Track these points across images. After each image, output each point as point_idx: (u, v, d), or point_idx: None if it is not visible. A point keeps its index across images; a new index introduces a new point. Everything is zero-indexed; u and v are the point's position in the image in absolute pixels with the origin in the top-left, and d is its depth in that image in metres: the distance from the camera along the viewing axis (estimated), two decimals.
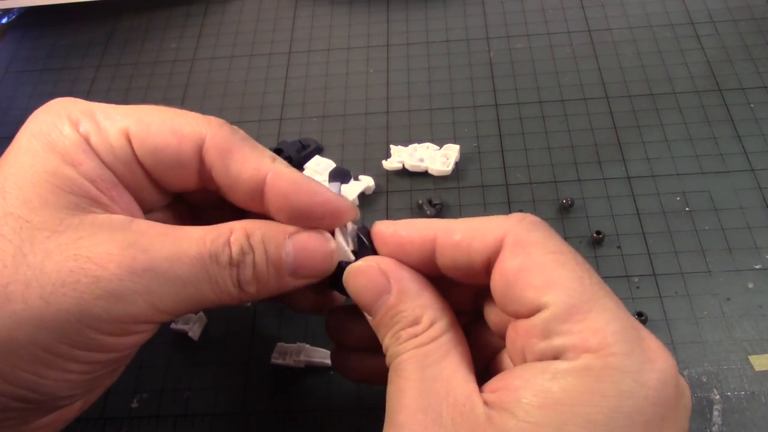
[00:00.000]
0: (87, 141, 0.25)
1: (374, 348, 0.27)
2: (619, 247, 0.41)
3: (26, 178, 0.24)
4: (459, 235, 0.25)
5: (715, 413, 0.34)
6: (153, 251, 0.24)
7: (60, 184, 0.24)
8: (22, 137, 0.25)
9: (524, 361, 0.23)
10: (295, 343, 0.38)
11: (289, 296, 0.32)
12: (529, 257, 0.23)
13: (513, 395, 0.21)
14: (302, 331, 0.39)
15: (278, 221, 0.27)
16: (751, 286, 0.38)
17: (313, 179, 0.28)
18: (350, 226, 0.28)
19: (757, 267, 0.39)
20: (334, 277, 0.28)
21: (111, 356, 0.24)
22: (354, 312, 0.28)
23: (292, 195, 0.26)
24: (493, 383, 0.23)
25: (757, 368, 0.35)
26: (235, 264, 0.25)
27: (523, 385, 0.21)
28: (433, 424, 0.22)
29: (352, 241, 0.28)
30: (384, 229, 0.27)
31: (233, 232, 0.26)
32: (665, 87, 0.49)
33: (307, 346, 0.38)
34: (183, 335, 0.39)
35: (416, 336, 0.24)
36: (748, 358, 0.36)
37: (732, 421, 0.34)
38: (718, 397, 0.34)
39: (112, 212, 0.25)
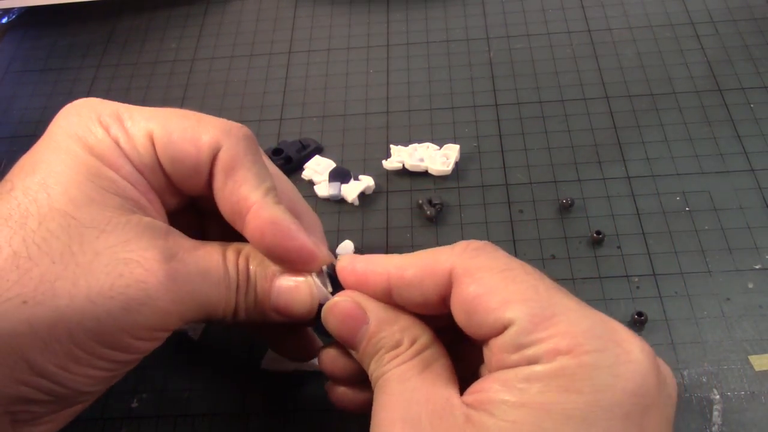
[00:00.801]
0: (117, 145, 0.26)
1: (366, 380, 0.27)
2: (619, 247, 0.41)
3: (69, 177, 0.24)
4: (410, 273, 0.25)
5: (715, 413, 0.34)
6: (189, 266, 0.25)
7: (104, 185, 0.25)
8: (58, 136, 0.26)
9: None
10: None
11: (278, 343, 0.34)
12: (480, 283, 0.23)
13: (491, 396, 0.22)
14: None
15: None
16: (751, 286, 0.38)
17: (295, 222, 0.27)
18: (324, 268, 0.28)
19: (757, 267, 0.39)
20: (317, 319, 0.28)
21: (134, 357, 0.26)
22: (344, 348, 0.28)
23: (268, 236, 0.27)
24: (472, 387, 0.23)
25: (757, 368, 0.35)
26: (235, 289, 0.27)
27: (500, 387, 0.22)
28: (411, 430, 0.22)
29: (329, 282, 0.28)
30: (345, 265, 0.27)
31: (239, 258, 0.27)
32: (665, 87, 0.49)
33: None
34: (183, 335, 0.39)
35: (399, 356, 0.25)
36: (748, 358, 0.36)
37: (732, 421, 0.34)
38: (718, 397, 0.34)
39: (152, 216, 0.26)
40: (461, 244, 0.25)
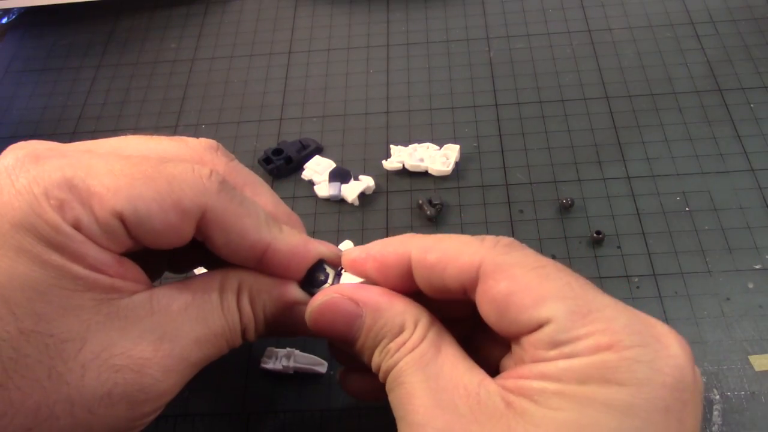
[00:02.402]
0: (78, 228, 0.22)
1: None
2: (619, 247, 0.41)
3: (32, 287, 0.22)
4: (433, 257, 0.25)
5: (715, 413, 0.34)
6: (182, 338, 0.25)
7: (71, 287, 0.22)
8: (5, 229, 0.22)
9: None
10: (284, 348, 0.37)
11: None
12: (513, 280, 0.23)
13: (532, 384, 0.21)
14: None
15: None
16: (751, 286, 0.38)
17: (306, 237, 0.28)
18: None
19: (757, 267, 0.39)
20: None
21: (149, 420, 0.26)
22: None
23: (293, 267, 0.27)
24: (507, 373, 0.23)
25: (757, 368, 0.35)
26: (243, 327, 0.27)
27: (540, 377, 0.22)
28: (452, 416, 0.22)
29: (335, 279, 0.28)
30: (356, 256, 0.27)
31: (240, 301, 0.27)
32: (665, 87, 0.49)
33: (297, 351, 0.37)
34: None
35: (405, 343, 0.24)
36: (748, 358, 0.36)
37: (732, 421, 0.34)
38: (718, 397, 0.34)
39: (131, 291, 0.24)
40: (491, 239, 0.25)
